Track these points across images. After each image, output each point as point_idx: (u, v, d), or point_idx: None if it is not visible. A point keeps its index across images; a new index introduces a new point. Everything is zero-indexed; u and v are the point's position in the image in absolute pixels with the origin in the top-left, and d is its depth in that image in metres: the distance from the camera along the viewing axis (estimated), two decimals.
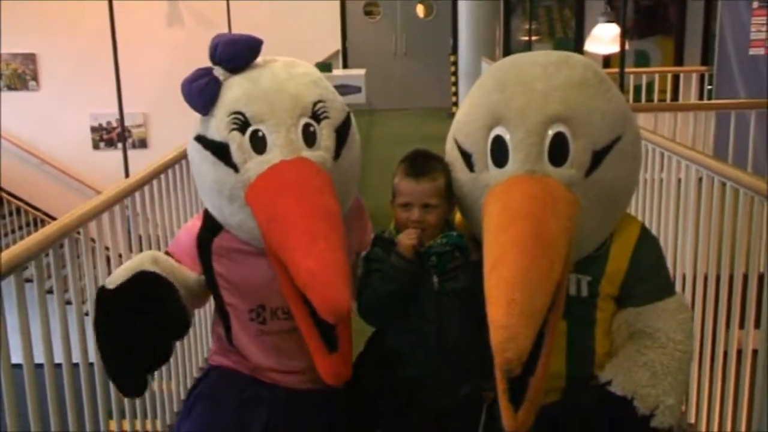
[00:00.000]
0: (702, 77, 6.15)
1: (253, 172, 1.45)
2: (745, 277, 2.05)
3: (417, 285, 1.52)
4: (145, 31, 7.64)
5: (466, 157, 1.46)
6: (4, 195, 7.51)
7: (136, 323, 1.43)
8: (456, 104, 8.15)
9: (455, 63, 8.04)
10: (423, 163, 1.54)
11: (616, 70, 4.00)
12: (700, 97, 5.95)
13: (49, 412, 1.63)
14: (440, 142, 1.65)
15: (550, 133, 1.37)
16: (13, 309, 1.50)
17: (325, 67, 4.75)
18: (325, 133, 1.51)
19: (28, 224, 7.59)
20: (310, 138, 1.49)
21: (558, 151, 1.37)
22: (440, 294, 1.53)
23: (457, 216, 1.62)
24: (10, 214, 7.57)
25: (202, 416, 1.58)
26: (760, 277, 2.01)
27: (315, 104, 1.51)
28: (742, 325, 2.06)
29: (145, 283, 1.46)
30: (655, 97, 6.20)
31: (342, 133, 1.55)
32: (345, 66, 8.42)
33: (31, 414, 1.57)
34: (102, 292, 1.46)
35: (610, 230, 1.48)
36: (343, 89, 4.33)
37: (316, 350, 1.44)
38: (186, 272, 1.55)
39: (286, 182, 1.43)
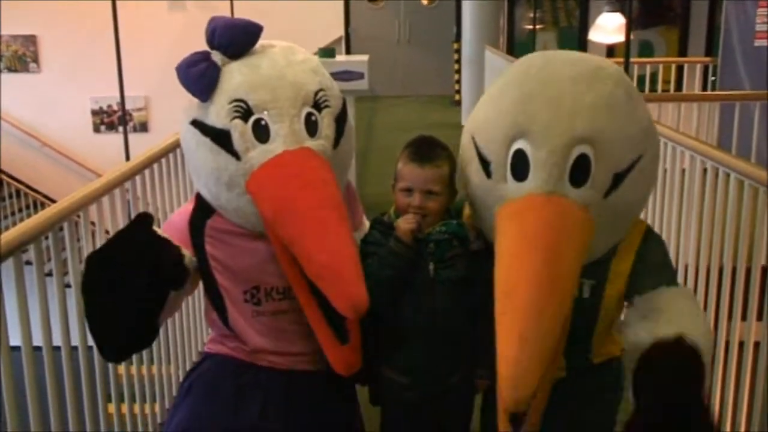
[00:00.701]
0: (706, 68, 6.13)
1: (256, 161, 1.44)
2: (748, 269, 2.04)
3: (413, 271, 1.50)
4: (147, 14, 7.59)
5: (485, 163, 1.43)
6: (4, 177, 7.49)
7: (132, 270, 1.39)
8: (459, 92, 8.11)
9: (458, 51, 8.00)
10: (428, 149, 1.52)
11: (620, 59, 3.97)
12: (704, 88, 5.92)
13: (48, 395, 1.63)
14: (443, 129, 1.64)
15: (574, 154, 1.34)
16: (12, 291, 1.49)
17: (328, 52, 4.67)
18: (326, 122, 1.50)
19: (27, 207, 7.58)
20: (311, 127, 1.48)
21: (579, 173, 1.34)
22: (435, 282, 1.51)
23: (465, 211, 1.60)
24: (10, 196, 7.56)
25: (196, 403, 1.58)
26: (763, 269, 2.00)
27: (317, 93, 1.50)
28: (744, 317, 2.05)
29: (142, 231, 1.44)
30: (659, 87, 6.18)
31: (340, 121, 1.54)
32: (348, 52, 8.37)
33: (30, 397, 1.56)
34: (92, 255, 1.41)
35: (620, 239, 1.46)
36: (346, 75, 4.25)
37: (326, 341, 1.44)
38: (181, 248, 1.53)
39: (292, 173, 1.41)
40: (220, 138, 1.45)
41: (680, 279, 2.37)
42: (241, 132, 1.44)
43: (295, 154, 1.43)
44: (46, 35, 7.90)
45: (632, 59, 4.62)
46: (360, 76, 4.35)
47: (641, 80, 5.55)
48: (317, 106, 1.49)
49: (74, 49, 7.72)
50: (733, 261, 2.13)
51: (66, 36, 7.78)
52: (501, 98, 1.46)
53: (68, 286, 1.74)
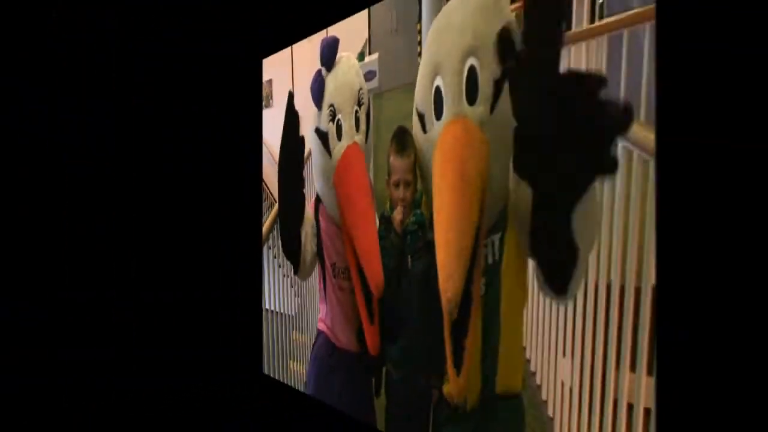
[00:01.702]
0: None
1: (336, 156, 1.52)
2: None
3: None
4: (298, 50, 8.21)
5: (421, 118, 1.31)
6: (265, 187, 8.52)
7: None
8: None
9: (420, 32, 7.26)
10: (404, 138, 1.40)
11: None
12: (591, 21, 4.69)
13: (263, 347, 1.85)
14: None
15: (465, 68, 1.19)
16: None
17: (360, 56, 4.90)
18: (362, 119, 1.53)
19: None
20: (357, 123, 1.51)
21: (471, 87, 1.19)
22: (412, 274, 1.40)
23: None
24: (266, 198, 8.68)
25: (315, 375, 1.72)
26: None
27: (359, 91, 1.54)
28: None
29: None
30: None
31: (368, 116, 1.56)
32: (370, 52, 8.20)
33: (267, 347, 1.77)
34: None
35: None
36: (370, 75, 4.48)
37: (363, 317, 1.49)
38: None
39: (347, 166, 1.50)
40: (324, 139, 1.54)
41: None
42: (332, 132, 1.52)
43: (350, 149, 1.50)
44: (274, 79, 8.91)
45: None
46: (374, 74, 4.79)
47: None
48: (359, 103, 1.52)
49: (281, 88, 8.51)
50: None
51: (280, 77, 8.65)
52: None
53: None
